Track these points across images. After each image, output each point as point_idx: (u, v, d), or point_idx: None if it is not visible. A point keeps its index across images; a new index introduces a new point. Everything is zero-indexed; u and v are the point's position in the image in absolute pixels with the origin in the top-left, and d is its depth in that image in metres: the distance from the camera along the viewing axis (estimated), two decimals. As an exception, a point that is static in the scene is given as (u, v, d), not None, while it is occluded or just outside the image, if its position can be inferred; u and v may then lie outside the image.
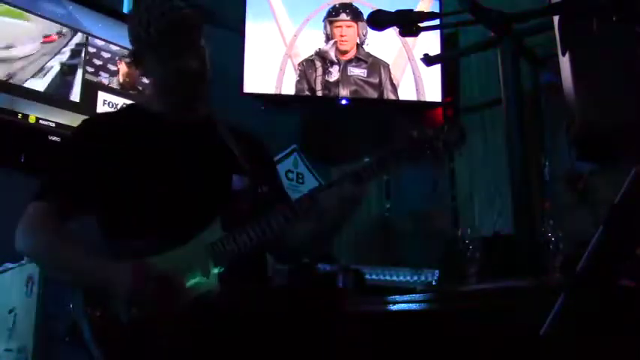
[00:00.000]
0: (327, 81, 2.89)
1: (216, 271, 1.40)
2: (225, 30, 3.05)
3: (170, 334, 1.32)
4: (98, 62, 2.77)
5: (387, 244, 3.11)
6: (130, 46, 1.59)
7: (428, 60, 2.49)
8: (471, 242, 1.90)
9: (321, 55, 2.91)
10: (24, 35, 2.55)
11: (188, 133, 1.57)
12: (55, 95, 2.61)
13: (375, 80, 2.90)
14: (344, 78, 2.89)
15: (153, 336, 1.32)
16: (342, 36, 2.92)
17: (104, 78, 2.79)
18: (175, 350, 1.31)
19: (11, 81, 2.49)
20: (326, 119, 3.22)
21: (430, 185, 3.01)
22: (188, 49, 1.50)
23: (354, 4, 2.94)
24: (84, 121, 1.61)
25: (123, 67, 2.82)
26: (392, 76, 2.91)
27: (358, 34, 2.93)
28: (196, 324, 1.34)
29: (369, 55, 2.92)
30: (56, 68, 2.62)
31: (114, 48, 2.82)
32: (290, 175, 2.97)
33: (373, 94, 2.90)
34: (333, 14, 2.95)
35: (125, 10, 2.99)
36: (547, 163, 2.55)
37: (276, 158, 2.80)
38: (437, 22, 2.04)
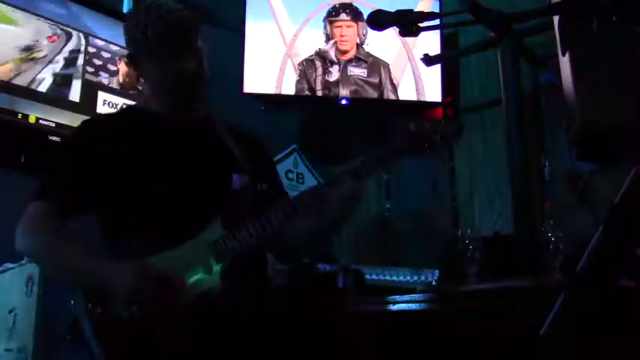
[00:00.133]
0: (327, 81, 2.89)
1: (218, 268, 1.41)
2: (225, 30, 3.05)
3: (170, 333, 1.32)
4: (98, 62, 2.78)
5: (387, 244, 3.11)
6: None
7: (428, 60, 2.49)
8: (471, 242, 1.90)
9: (321, 55, 2.91)
10: (10, 41, 2.51)
11: (187, 133, 1.57)
12: (55, 95, 2.61)
13: (375, 80, 2.90)
14: (344, 78, 2.89)
15: (153, 335, 1.32)
16: (342, 36, 2.92)
17: (104, 78, 2.79)
18: (175, 349, 1.32)
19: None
20: (326, 119, 3.22)
21: (430, 185, 3.01)
22: (185, 50, 1.50)
23: (354, 4, 2.94)
24: (83, 122, 1.61)
25: (123, 67, 2.82)
26: (392, 76, 2.91)
27: (358, 34, 2.93)
28: (196, 323, 1.34)
29: (369, 55, 2.92)
30: (48, 80, 2.61)
31: (114, 48, 2.82)
32: (290, 175, 2.97)
33: (373, 94, 2.90)
34: (333, 14, 2.95)
35: (125, 10, 2.99)
36: (547, 163, 2.55)
37: (276, 158, 2.80)
38: (437, 22, 2.04)
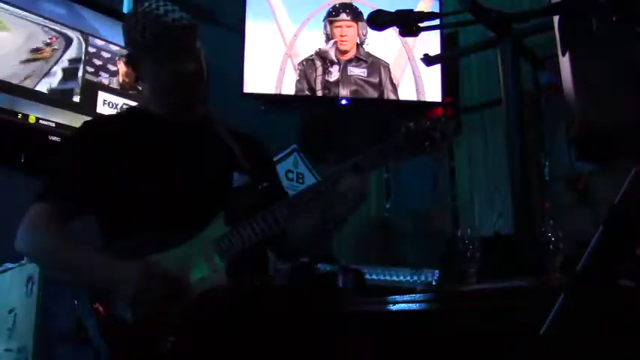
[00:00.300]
0: (327, 81, 2.89)
1: (222, 265, 1.41)
2: (225, 30, 3.05)
3: (175, 332, 1.33)
4: (98, 62, 2.78)
5: (387, 244, 3.11)
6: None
7: (428, 60, 2.49)
8: (471, 242, 1.90)
9: (321, 55, 2.91)
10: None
11: (187, 134, 1.58)
12: (55, 95, 2.61)
13: (375, 80, 2.90)
14: (344, 78, 2.89)
15: (158, 334, 1.32)
16: (342, 36, 2.92)
17: (104, 78, 2.79)
18: (178, 348, 1.32)
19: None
20: (326, 119, 3.21)
21: (430, 185, 3.01)
22: (184, 51, 1.51)
23: (354, 4, 2.94)
24: (84, 123, 1.62)
25: (123, 67, 2.82)
26: (392, 76, 2.91)
27: (358, 34, 2.93)
28: (197, 323, 1.34)
29: (369, 54, 2.92)
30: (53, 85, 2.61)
31: (114, 48, 2.82)
32: (290, 175, 2.96)
33: (373, 93, 2.90)
34: (333, 14, 2.94)
35: (125, 10, 2.99)
36: (547, 163, 2.55)
37: (276, 158, 2.80)
38: (437, 22, 2.05)
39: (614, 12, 1.04)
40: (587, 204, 2.32)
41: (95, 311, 1.36)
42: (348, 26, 2.93)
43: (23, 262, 2.08)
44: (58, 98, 2.61)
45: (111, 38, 2.81)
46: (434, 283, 2.11)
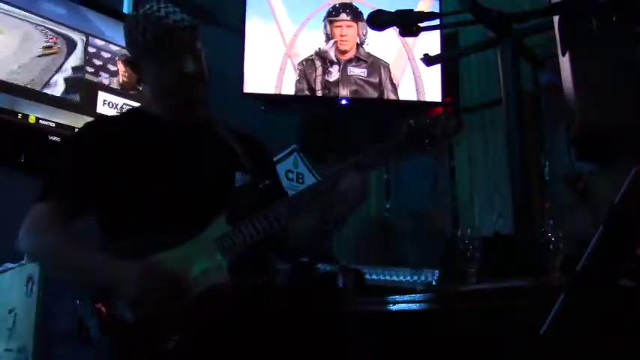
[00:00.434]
0: (327, 81, 2.89)
1: (225, 263, 1.41)
2: (225, 30, 3.05)
3: (176, 331, 1.33)
4: (98, 62, 2.78)
5: (387, 244, 3.11)
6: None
7: (428, 60, 2.49)
8: (471, 242, 1.90)
9: (321, 55, 2.91)
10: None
11: (188, 134, 1.58)
12: (55, 95, 2.61)
13: (375, 80, 2.90)
14: (344, 78, 2.89)
15: (160, 333, 1.33)
16: (342, 36, 2.92)
17: (104, 78, 2.79)
18: (181, 347, 1.32)
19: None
20: (326, 119, 3.21)
21: (430, 185, 3.01)
22: (185, 52, 1.51)
23: (354, 4, 2.94)
24: (86, 124, 1.63)
25: (122, 67, 2.82)
26: (392, 76, 2.91)
27: (358, 34, 2.93)
28: (200, 321, 1.34)
29: (369, 55, 2.92)
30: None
31: (114, 48, 2.82)
32: (290, 175, 2.96)
33: (373, 93, 2.90)
34: (333, 14, 2.94)
35: (125, 10, 2.99)
36: (547, 163, 2.55)
37: (276, 158, 2.80)
38: (437, 22, 2.05)
39: (614, 12, 1.04)
40: (587, 204, 2.32)
41: (97, 311, 1.36)
42: (348, 26, 2.93)
43: (23, 262, 2.08)
44: (58, 98, 2.61)
45: (111, 38, 2.81)
46: (434, 283, 2.11)
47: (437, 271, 2.14)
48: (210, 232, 1.44)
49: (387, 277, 2.21)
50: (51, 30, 2.63)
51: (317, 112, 3.20)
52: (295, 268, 2.12)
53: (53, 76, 2.61)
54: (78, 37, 2.71)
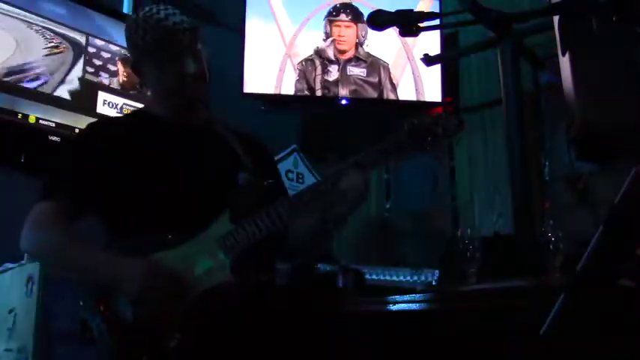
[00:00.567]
0: (327, 80, 2.89)
1: (227, 262, 1.41)
2: (225, 30, 3.05)
3: (179, 329, 1.33)
4: (98, 62, 2.77)
5: (387, 244, 3.11)
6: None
7: (428, 60, 2.49)
8: (471, 242, 1.90)
9: (319, 53, 2.91)
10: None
11: (190, 135, 1.59)
12: (55, 95, 2.61)
13: (375, 80, 2.90)
14: (343, 77, 2.89)
15: (162, 332, 1.33)
16: (340, 36, 2.92)
17: (104, 78, 2.79)
18: (184, 345, 1.32)
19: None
20: (326, 119, 3.21)
21: (430, 185, 3.01)
22: (186, 53, 1.52)
23: (354, 4, 2.94)
24: (90, 124, 1.64)
25: (122, 67, 2.82)
26: (391, 76, 2.91)
27: (357, 36, 2.93)
28: (202, 319, 1.35)
29: (368, 54, 2.92)
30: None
31: (114, 48, 2.82)
32: (290, 175, 2.96)
33: (373, 93, 2.90)
34: (333, 14, 2.95)
35: (125, 10, 2.99)
36: (547, 163, 2.54)
37: (276, 158, 2.80)
38: (437, 22, 2.05)
39: (614, 12, 1.04)
40: (587, 204, 2.32)
41: (100, 311, 1.37)
42: (347, 26, 2.93)
43: (23, 262, 2.08)
44: (58, 98, 2.61)
45: (111, 38, 2.81)
46: (434, 283, 2.11)
47: (437, 271, 2.14)
48: (213, 230, 1.44)
49: (387, 277, 2.21)
50: (51, 30, 2.63)
51: (317, 112, 3.20)
52: (295, 268, 2.12)
53: (68, 73, 2.61)
54: (79, 37, 2.71)
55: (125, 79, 2.84)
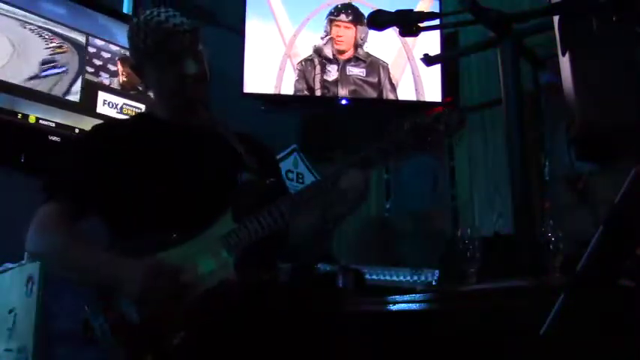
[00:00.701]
0: (326, 80, 2.89)
1: (230, 260, 1.41)
2: (225, 30, 3.05)
3: (181, 328, 1.33)
4: (98, 62, 2.77)
5: (387, 244, 3.11)
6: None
7: (428, 60, 2.49)
8: (471, 242, 1.90)
9: (317, 51, 2.91)
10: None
11: (191, 136, 1.60)
12: (55, 95, 2.61)
13: (374, 80, 2.91)
14: (343, 78, 2.89)
15: (164, 331, 1.33)
16: (338, 36, 2.93)
17: (104, 78, 2.79)
18: (186, 344, 1.32)
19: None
20: (326, 119, 3.22)
21: (430, 185, 3.01)
22: (186, 54, 1.52)
23: (354, 4, 2.94)
24: (94, 126, 1.66)
25: (122, 67, 2.82)
26: (391, 76, 2.91)
27: (356, 38, 2.93)
28: (205, 318, 1.35)
29: (367, 54, 2.92)
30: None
31: (114, 48, 2.82)
32: (290, 175, 2.96)
33: (372, 93, 2.90)
34: (334, 14, 2.95)
35: (125, 10, 2.99)
36: (547, 163, 2.54)
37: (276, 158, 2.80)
38: (437, 22, 2.05)
39: (614, 12, 1.04)
40: (587, 204, 2.32)
41: (103, 311, 1.37)
42: (346, 27, 2.94)
43: (23, 262, 2.08)
44: (58, 98, 2.61)
45: (111, 38, 2.81)
46: (434, 283, 2.11)
47: (437, 271, 2.14)
48: (216, 229, 1.45)
49: (387, 277, 2.21)
50: (50, 30, 2.63)
51: (317, 112, 3.20)
52: (295, 268, 2.12)
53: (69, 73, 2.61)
54: (79, 37, 2.71)
55: (125, 79, 2.84)
